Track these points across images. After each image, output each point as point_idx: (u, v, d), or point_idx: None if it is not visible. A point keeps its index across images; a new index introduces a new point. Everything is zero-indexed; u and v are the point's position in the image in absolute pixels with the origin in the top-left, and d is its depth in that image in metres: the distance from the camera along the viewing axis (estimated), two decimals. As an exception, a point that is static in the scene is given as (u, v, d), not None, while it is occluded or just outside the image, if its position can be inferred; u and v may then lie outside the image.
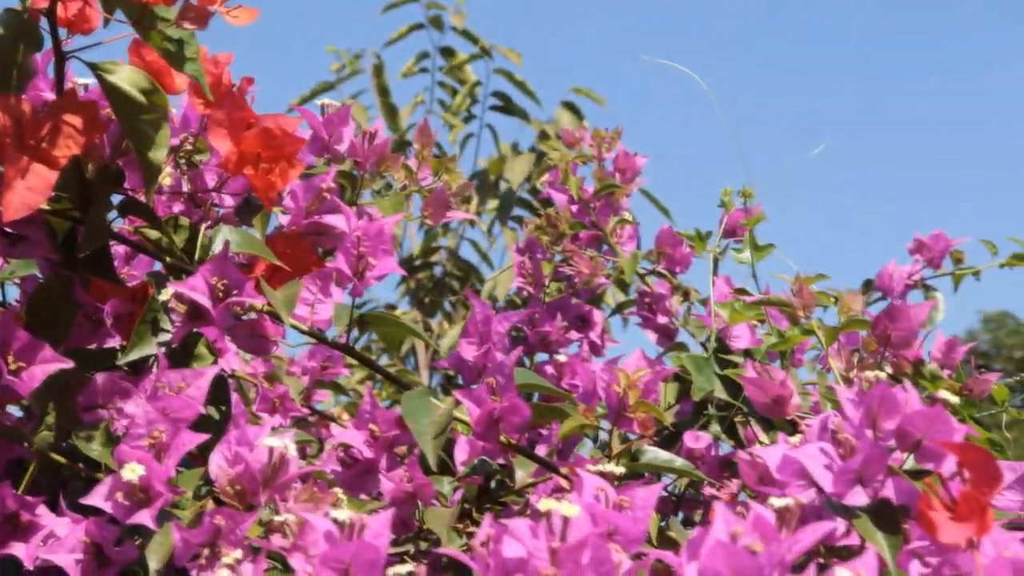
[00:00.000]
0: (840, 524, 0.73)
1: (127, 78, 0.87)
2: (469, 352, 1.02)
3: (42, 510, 0.84)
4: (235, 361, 1.26)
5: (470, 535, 1.01)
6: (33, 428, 0.90)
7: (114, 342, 0.95)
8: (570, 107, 3.18)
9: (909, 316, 1.16)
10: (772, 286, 1.37)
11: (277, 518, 0.74)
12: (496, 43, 3.23)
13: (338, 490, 0.80)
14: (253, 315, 0.96)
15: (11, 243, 0.91)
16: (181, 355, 0.93)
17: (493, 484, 1.11)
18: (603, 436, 1.06)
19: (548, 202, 1.48)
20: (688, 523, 1.27)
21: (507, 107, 3.22)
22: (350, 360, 1.80)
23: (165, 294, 0.89)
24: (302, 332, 0.99)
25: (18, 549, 0.83)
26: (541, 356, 1.39)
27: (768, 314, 1.27)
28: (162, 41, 0.85)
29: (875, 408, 0.74)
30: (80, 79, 0.95)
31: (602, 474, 0.76)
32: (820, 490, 0.74)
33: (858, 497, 0.73)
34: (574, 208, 1.43)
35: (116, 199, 0.95)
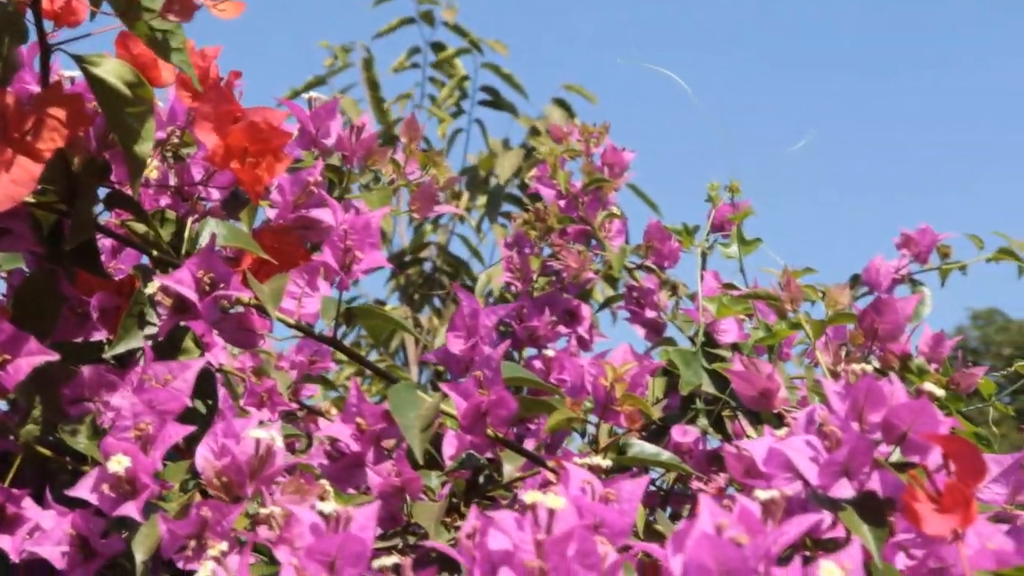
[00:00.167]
0: (826, 516, 0.74)
1: (112, 71, 0.87)
2: (456, 346, 1.02)
3: (28, 503, 0.84)
4: (223, 355, 1.25)
5: (458, 529, 1.01)
6: (19, 421, 0.89)
7: (100, 335, 0.95)
8: (561, 104, 3.18)
9: (896, 310, 1.16)
10: (760, 280, 1.37)
11: (263, 510, 0.74)
12: (487, 38, 3.23)
13: (325, 482, 0.80)
14: (240, 309, 0.96)
15: (-3, 236, 0.91)
16: (168, 348, 0.93)
17: (481, 478, 1.11)
18: (591, 430, 1.06)
19: (537, 197, 1.47)
20: (676, 518, 1.27)
21: (495, 102, 3.22)
22: (340, 356, 1.80)
23: (151, 287, 0.89)
24: (289, 326, 0.98)
25: (4, 542, 0.83)
26: (530, 351, 1.39)
27: (756, 308, 1.28)
28: (148, 31, 0.85)
29: (861, 401, 0.74)
30: (66, 72, 0.95)
31: (589, 467, 0.76)
32: (806, 483, 0.74)
33: (844, 489, 0.73)
34: (562, 203, 1.43)
35: (102, 192, 0.95)
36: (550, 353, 1.27)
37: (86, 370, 0.88)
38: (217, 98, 0.94)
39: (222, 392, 1.00)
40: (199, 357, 0.92)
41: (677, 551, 0.59)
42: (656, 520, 1.07)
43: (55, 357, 0.86)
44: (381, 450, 1.00)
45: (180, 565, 0.78)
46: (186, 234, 0.97)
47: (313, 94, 1.19)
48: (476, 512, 0.64)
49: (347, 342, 2.59)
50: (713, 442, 1.25)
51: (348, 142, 1.19)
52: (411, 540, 1.02)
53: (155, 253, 0.97)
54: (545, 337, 1.38)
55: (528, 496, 0.62)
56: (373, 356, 2.79)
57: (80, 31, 0.90)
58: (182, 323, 0.91)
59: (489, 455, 0.99)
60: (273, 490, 0.79)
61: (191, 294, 0.89)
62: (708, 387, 1.22)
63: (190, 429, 0.82)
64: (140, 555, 0.78)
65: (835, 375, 1.10)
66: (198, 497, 0.82)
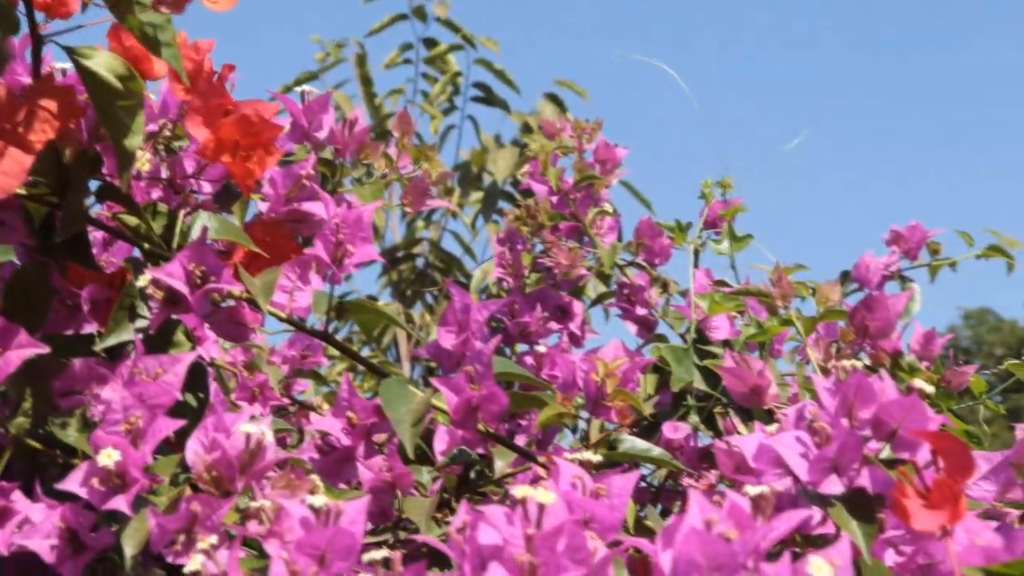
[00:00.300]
0: (815, 512, 0.74)
1: (103, 63, 0.86)
2: (448, 340, 1.02)
3: (17, 496, 0.84)
4: (214, 350, 1.25)
5: (449, 524, 1.01)
6: (9, 414, 0.89)
7: (91, 328, 0.95)
8: (553, 99, 3.17)
9: (886, 306, 1.16)
10: (751, 277, 1.37)
11: (253, 504, 0.74)
12: (479, 34, 3.23)
13: (315, 477, 0.80)
14: (231, 302, 0.96)
15: (-13, 228, 0.91)
16: (159, 342, 0.93)
17: (472, 474, 1.11)
18: (582, 426, 1.06)
19: (529, 193, 1.47)
20: (667, 514, 1.27)
21: (488, 98, 3.22)
22: (332, 351, 1.80)
23: (142, 280, 0.89)
24: (281, 319, 0.98)
25: (-7, 535, 0.82)
26: (522, 347, 1.39)
27: (747, 305, 1.28)
28: (139, 25, 0.84)
29: (851, 397, 0.75)
30: (58, 64, 0.94)
31: (579, 462, 0.77)
32: (796, 479, 0.74)
33: (833, 485, 0.73)
34: (554, 199, 1.43)
35: (94, 184, 0.95)
36: (542, 349, 1.27)
37: (76, 363, 0.88)
38: (208, 91, 0.94)
39: (213, 386, 1.00)
40: (190, 351, 0.92)
41: (667, 546, 0.59)
42: (646, 516, 1.07)
43: (45, 349, 0.86)
44: (372, 445, 1.00)
45: (169, 559, 0.78)
46: (178, 227, 0.97)
47: (306, 87, 1.18)
48: (466, 506, 0.64)
49: (339, 337, 2.59)
50: (704, 438, 1.25)
51: (341, 136, 1.19)
52: (402, 535, 1.02)
53: (146, 246, 0.96)
54: (537, 333, 1.38)
55: (518, 491, 0.62)
56: (365, 352, 2.79)
57: (72, 23, 0.90)
58: (173, 316, 0.91)
59: (480, 450, 0.98)
60: (263, 484, 0.78)
61: (182, 287, 0.89)
62: (699, 384, 1.22)
63: (181, 423, 0.82)
64: (129, 549, 0.78)
65: (826, 371, 1.10)
66: (188, 491, 0.82)
